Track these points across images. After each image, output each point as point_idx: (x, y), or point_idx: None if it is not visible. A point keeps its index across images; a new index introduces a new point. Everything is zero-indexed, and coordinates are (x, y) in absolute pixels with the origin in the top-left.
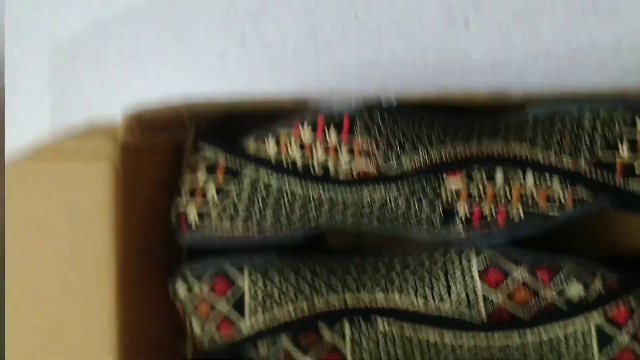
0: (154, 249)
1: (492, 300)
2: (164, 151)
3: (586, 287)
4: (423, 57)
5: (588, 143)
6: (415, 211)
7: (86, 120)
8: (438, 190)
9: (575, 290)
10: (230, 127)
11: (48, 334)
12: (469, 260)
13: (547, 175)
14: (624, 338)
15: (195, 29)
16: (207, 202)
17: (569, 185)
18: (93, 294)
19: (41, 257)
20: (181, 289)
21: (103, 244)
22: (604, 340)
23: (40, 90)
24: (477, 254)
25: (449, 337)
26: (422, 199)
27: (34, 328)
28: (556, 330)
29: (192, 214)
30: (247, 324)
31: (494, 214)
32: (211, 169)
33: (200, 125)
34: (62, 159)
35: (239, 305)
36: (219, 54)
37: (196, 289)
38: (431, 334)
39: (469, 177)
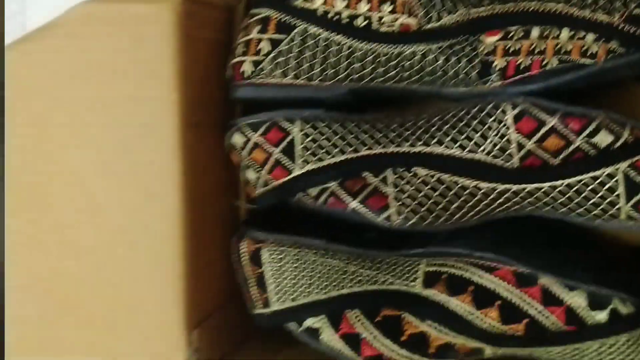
0: (212, 99)
1: (525, 147)
2: (218, 9)
3: (616, 137)
4: None
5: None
6: (453, 64)
7: None
8: (476, 46)
9: (605, 139)
10: None
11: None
12: (504, 112)
13: (582, 31)
14: None
15: None
16: (260, 54)
17: (602, 39)
18: (159, 130)
19: (108, 100)
20: (238, 140)
21: (169, 86)
22: (632, 188)
23: None
24: (513, 106)
25: (483, 183)
26: (460, 52)
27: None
28: (584, 176)
29: (247, 65)
30: (298, 169)
31: (528, 63)
32: (263, 26)
33: None
34: (126, 1)
35: (290, 153)
36: None
37: (252, 138)
38: (467, 181)
39: (506, 35)
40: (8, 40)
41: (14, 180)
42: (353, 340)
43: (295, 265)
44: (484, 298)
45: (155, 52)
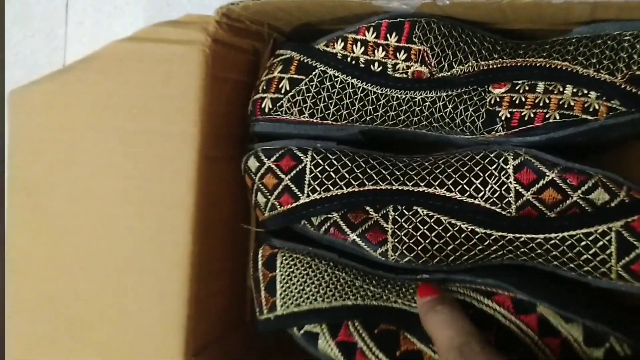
0: (231, 135)
1: (523, 197)
2: (246, 52)
3: (613, 196)
4: None
5: (626, 60)
6: (461, 112)
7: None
8: (483, 96)
9: (601, 197)
10: (303, 42)
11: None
12: (506, 161)
13: (585, 89)
14: None
15: None
16: (280, 92)
17: (604, 97)
18: (178, 162)
19: (133, 132)
20: (252, 164)
21: (191, 121)
22: (624, 247)
23: (137, 12)
24: (514, 156)
25: (480, 228)
26: (468, 101)
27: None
28: (578, 231)
29: (267, 102)
30: (305, 197)
31: (532, 115)
32: (285, 66)
33: (278, 38)
34: (159, 41)
35: (299, 181)
36: None
37: (266, 164)
38: (464, 224)
39: (513, 88)
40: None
41: (33, 199)
42: (349, 349)
43: (305, 272)
44: (482, 323)
45: (181, 89)
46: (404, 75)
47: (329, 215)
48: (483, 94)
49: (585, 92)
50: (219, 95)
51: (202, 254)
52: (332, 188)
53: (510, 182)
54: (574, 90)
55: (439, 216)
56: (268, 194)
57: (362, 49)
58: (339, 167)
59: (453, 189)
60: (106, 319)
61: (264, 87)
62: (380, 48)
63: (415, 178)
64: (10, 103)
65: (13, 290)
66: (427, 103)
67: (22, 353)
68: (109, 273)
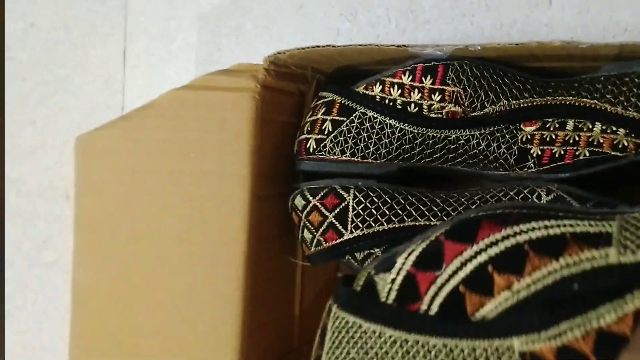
0: (279, 173)
1: None
2: (291, 95)
3: None
4: (509, 32)
5: None
6: (494, 150)
7: (235, 65)
8: (515, 134)
9: None
10: (344, 81)
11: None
12: (539, 197)
13: (614, 126)
14: None
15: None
16: (323, 133)
17: (632, 134)
18: (231, 202)
19: (189, 174)
20: (299, 202)
21: (243, 163)
22: None
23: (190, 56)
24: (547, 192)
25: None
26: (501, 139)
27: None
28: None
29: (311, 142)
30: (348, 233)
31: (562, 153)
32: (328, 108)
33: (320, 79)
34: (213, 89)
35: (343, 218)
36: (335, 30)
37: (311, 202)
38: None
39: (543, 126)
40: (108, 116)
41: (97, 237)
42: None
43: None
44: None
45: (234, 134)
46: (439, 116)
47: (372, 251)
48: (515, 131)
49: (614, 129)
50: (267, 138)
51: (253, 288)
52: (373, 225)
53: None
54: (603, 127)
55: None
56: (314, 230)
57: (399, 91)
58: (380, 204)
59: None
60: (165, 352)
61: (309, 128)
62: (416, 90)
63: (453, 214)
64: (76, 147)
65: (77, 323)
66: (462, 141)
67: None
68: (167, 308)
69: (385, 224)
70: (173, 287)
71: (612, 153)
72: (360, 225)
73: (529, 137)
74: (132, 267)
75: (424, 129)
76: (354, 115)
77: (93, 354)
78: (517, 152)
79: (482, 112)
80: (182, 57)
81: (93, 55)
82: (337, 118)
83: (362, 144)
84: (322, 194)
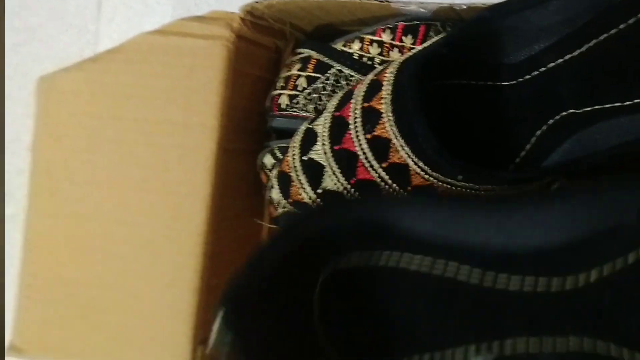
0: (250, 129)
1: None
2: (267, 49)
3: None
4: None
5: None
6: None
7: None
8: None
9: None
10: (324, 40)
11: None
12: None
13: None
14: None
15: None
16: (297, 89)
17: None
18: (197, 153)
19: (155, 122)
20: (268, 161)
21: (212, 113)
22: None
23: (167, 10)
24: None
25: None
26: None
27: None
28: None
29: (284, 98)
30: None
31: None
32: (304, 65)
33: (300, 38)
34: (184, 35)
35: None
36: None
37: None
38: None
39: None
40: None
41: (54, 182)
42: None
43: None
44: None
45: (204, 82)
46: None
47: None
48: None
49: None
50: (239, 90)
51: (215, 244)
52: None
53: None
54: None
55: None
56: (282, 190)
57: (379, 49)
58: None
59: None
60: (118, 304)
61: (282, 84)
62: (396, 49)
63: None
64: (38, 89)
65: (28, 270)
66: None
67: (32, 332)
68: (123, 259)
69: None
70: (131, 238)
71: None
72: None
73: None
74: (89, 216)
75: None
76: (329, 72)
77: (44, 304)
78: None
79: None
80: (159, 10)
81: (68, 4)
82: (312, 74)
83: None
84: None
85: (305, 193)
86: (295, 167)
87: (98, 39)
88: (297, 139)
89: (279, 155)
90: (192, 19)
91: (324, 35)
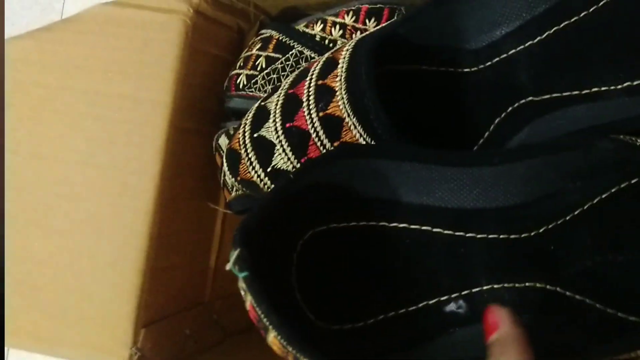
0: (206, 109)
1: None
2: (229, 29)
3: None
4: None
5: None
6: None
7: None
8: None
9: None
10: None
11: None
12: None
13: None
14: None
15: None
16: (256, 69)
17: None
18: (147, 129)
19: (105, 95)
20: (223, 142)
21: (165, 89)
22: None
23: None
24: None
25: None
26: None
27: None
28: None
29: (242, 78)
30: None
31: None
32: (264, 44)
33: (264, 20)
34: (141, 7)
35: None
36: None
37: None
38: None
39: None
40: None
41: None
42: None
43: None
44: None
45: (158, 57)
46: None
47: None
48: None
49: None
50: (196, 68)
51: (163, 225)
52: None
53: None
54: None
55: None
56: (236, 172)
57: (340, 31)
58: None
59: None
60: (56, 281)
61: (241, 64)
62: (358, 32)
63: None
64: None
65: None
66: None
67: None
68: (64, 235)
69: None
70: (73, 214)
71: None
72: None
73: None
74: (30, 188)
75: None
76: (290, 53)
77: None
78: None
79: None
80: None
81: None
82: (272, 55)
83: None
84: None
85: (254, 171)
86: (245, 144)
87: (62, 17)
88: (249, 116)
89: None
90: None
91: (288, 19)
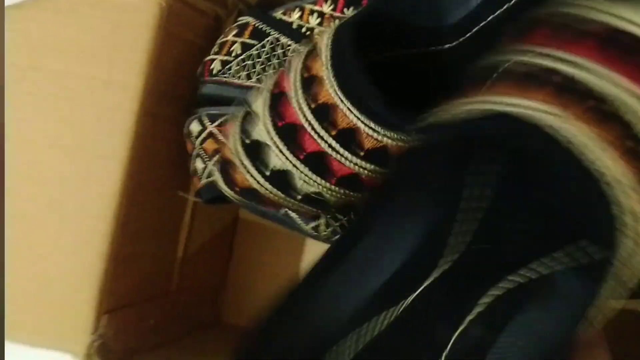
0: (179, 95)
1: None
2: (205, 15)
3: None
4: None
5: None
6: None
7: None
8: None
9: None
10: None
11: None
12: None
13: None
14: None
15: None
16: (230, 55)
17: None
18: (117, 112)
19: (75, 76)
20: (195, 128)
21: (136, 72)
22: None
23: None
24: None
25: None
26: None
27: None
28: None
29: (216, 64)
30: None
31: None
32: (240, 30)
33: (243, 10)
34: None
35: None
36: None
37: (208, 128)
38: None
39: None
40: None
41: None
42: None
43: None
44: None
45: (130, 40)
46: None
47: None
48: None
49: None
50: (169, 52)
51: (129, 211)
52: None
53: None
54: None
55: None
56: (207, 159)
57: (318, 20)
58: None
59: None
60: (20, 265)
61: (216, 50)
62: (337, 21)
63: None
64: None
65: None
66: None
67: None
68: (29, 218)
69: None
70: (37, 195)
71: None
72: None
73: None
74: None
75: None
76: (266, 40)
77: None
78: None
79: None
80: None
81: None
82: (247, 41)
83: (270, 71)
84: (220, 120)
85: (252, 177)
86: (238, 152)
87: None
88: (236, 124)
89: (207, 122)
90: None
91: (267, 6)
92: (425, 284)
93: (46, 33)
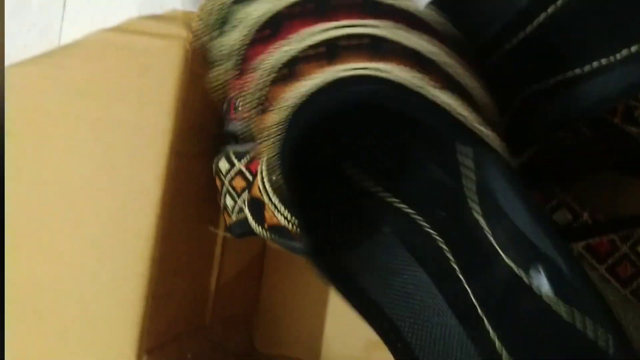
0: (206, 132)
1: None
2: None
3: (575, 216)
4: None
5: None
6: None
7: (169, 11)
8: None
9: (562, 216)
10: None
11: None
12: None
13: None
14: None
15: None
16: None
17: None
18: (148, 154)
19: (106, 120)
20: (223, 166)
21: (165, 114)
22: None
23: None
24: None
25: None
26: None
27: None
28: None
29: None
30: None
31: None
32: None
33: None
34: (141, 33)
35: None
36: None
37: (236, 166)
38: None
39: None
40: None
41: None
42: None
43: None
44: None
45: (158, 82)
46: None
47: None
48: None
49: None
50: (196, 92)
51: (164, 250)
52: None
53: None
54: None
55: None
56: (237, 196)
57: None
58: None
59: None
60: (58, 308)
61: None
62: None
63: None
64: None
65: None
66: None
67: None
68: (68, 260)
69: None
70: (75, 239)
71: None
72: None
73: None
74: (33, 215)
75: None
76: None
77: None
78: None
79: None
80: (124, 11)
81: (32, 1)
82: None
83: None
84: (248, 157)
85: (280, 215)
86: (266, 190)
87: (60, 38)
88: (262, 161)
89: (235, 160)
90: (149, 18)
91: None
92: None
93: (74, 79)
